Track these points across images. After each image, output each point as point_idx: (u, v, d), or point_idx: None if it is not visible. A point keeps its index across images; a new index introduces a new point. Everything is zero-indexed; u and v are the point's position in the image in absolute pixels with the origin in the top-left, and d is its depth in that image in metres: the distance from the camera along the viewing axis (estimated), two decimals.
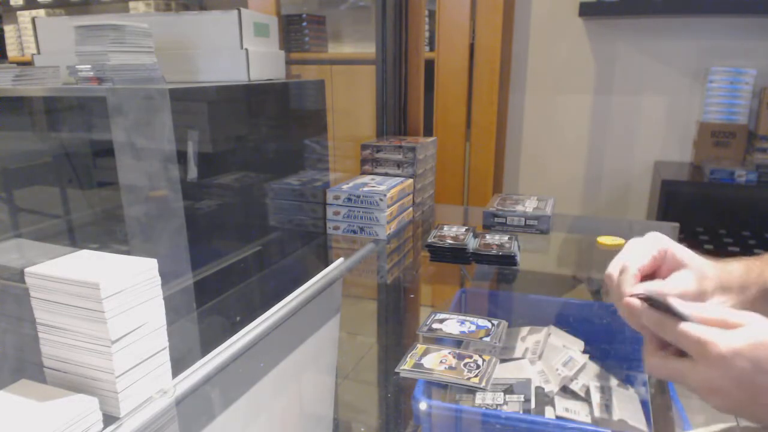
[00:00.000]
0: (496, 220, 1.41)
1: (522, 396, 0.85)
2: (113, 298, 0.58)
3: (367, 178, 1.47)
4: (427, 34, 2.31)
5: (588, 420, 0.81)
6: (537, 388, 0.87)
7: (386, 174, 1.51)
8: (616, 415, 0.82)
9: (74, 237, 1.06)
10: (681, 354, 0.53)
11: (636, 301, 0.57)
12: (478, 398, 0.85)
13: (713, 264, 0.64)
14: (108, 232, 1.03)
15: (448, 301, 1.09)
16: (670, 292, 0.58)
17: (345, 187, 1.37)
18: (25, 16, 3.43)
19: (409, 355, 0.85)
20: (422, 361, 0.84)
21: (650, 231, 0.70)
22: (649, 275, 0.63)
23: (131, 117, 0.89)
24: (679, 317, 0.52)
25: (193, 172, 0.98)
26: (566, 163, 2.37)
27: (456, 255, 1.23)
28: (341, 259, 1.16)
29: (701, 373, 0.50)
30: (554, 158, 2.39)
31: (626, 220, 1.82)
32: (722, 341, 0.48)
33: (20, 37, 3.49)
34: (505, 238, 1.27)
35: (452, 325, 0.96)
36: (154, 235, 0.92)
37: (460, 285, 1.26)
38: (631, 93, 2.22)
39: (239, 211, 1.14)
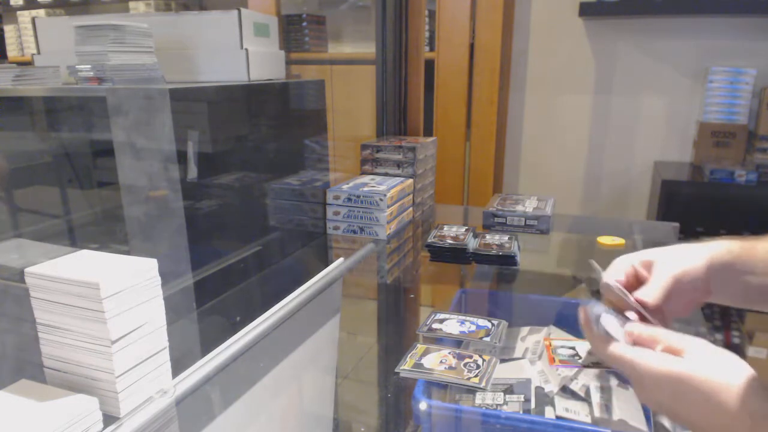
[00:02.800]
0: (496, 220, 1.41)
1: (522, 396, 0.85)
2: (113, 298, 0.58)
3: (367, 178, 1.46)
4: (427, 34, 2.31)
5: (588, 420, 0.81)
6: (537, 388, 0.87)
7: (386, 174, 1.51)
8: (616, 415, 0.82)
9: (74, 237, 1.06)
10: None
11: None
12: (478, 398, 0.85)
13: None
14: (108, 232, 1.03)
15: (448, 301, 1.09)
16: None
17: (345, 187, 1.37)
18: (25, 16, 3.43)
19: (409, 355, 0.85)
20: (422, 361, 0.84)
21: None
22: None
23: (131, 117, 0.89)
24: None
25: (193, 172, 0.98)
26: (566, 163, 2.37)
27: (456, 255, 1.23)
28: (341, 259, 1.16)
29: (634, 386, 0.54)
30: (554, 158, 2.39)
31: (626, 220, 1.82)
32: (645, 367, 0.51)
33: (20, 37, 3.48)
34: (505, 238, 1.27)
35: (452, 325, 0.96)
36: (154, 235, 0.92)
37: (460, 285, 1.26)
38: (631, 93, 2.22)
39: (239, 211, 1.14)
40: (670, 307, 0.62)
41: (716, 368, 0.48)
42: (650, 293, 0.61)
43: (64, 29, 0.99)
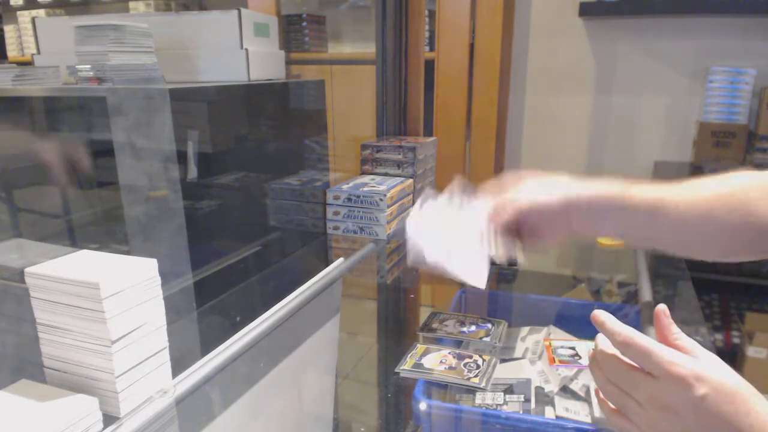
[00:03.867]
0: None
1: (522, 396, 0.85)
2: (113, 298, 0.58)
3: (367, 178, 1.46)
4: (427, 34, 2.31)
5: (588, 420, 0.81)
6: (537, 388, 0.87)
7: (386, 174, 1.51)
8: None
9: (74, 237, 1.06)
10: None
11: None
12: (478, 398, 0.85)
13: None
14: (108, 232, 1.03)
15: (448, 301, 1.09)
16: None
17: (345, 187, 1.37)
18: (25, 16, 3.43)
19: (409, 355, 0.85)
20: (422, 361, 0.84)
21: None
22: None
23: (131, 117, 0.89)
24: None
25: (193, 172, 0.98)
26: (566, 163, 2.37)
27: None
28: (341, 259, 1.16)
29: (659, 389, 0.49)
30: (554, 158, 2.38)
31: None
32: (694, 365, 0.48)
33: (20, 37, 3.48)
34: None
35: (452, 325, 0.96)
36: (154, 235, 0.92)
37: (460, 285, 1.26)
38: (631, 93, 2.22)
39: (239, 211, 1.14)
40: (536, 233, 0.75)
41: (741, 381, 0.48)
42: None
43: (64, 29, 0.99)
